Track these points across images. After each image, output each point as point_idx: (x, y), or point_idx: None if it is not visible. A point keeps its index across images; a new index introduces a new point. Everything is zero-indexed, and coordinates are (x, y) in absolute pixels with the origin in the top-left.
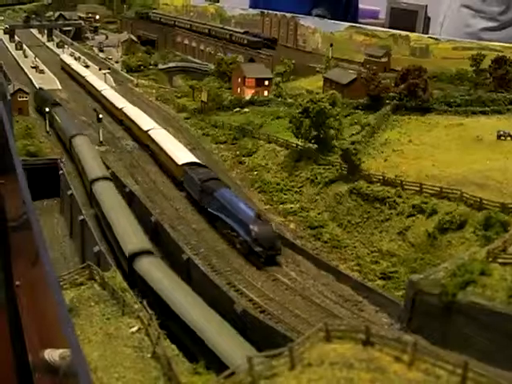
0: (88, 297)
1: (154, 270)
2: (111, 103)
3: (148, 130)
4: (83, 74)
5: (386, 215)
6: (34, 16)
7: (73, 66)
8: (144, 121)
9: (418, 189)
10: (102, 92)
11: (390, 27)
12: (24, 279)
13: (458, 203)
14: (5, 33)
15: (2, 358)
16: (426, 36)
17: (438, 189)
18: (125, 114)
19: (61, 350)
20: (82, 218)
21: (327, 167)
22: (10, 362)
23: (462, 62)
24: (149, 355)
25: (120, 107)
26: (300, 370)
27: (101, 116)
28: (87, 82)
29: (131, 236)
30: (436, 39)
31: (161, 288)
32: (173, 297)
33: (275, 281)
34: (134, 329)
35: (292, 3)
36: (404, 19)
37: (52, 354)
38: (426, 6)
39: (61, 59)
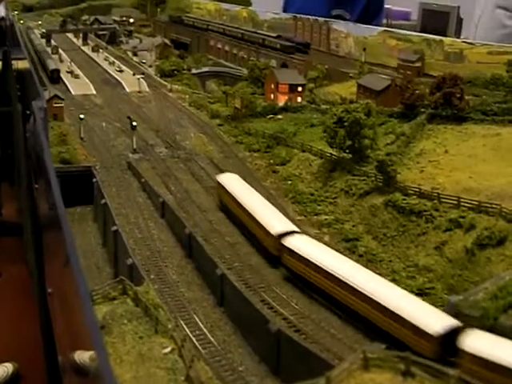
0: (121, 314)
1: None
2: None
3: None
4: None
5: (422, 229)
6: (69, 19)
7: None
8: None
9: (455, 202)
10: None
11: (421, 28)
12: (56, 287)
13: (498, 218)
14: (42, 37)
15: (35, 362)
16: (460, 40)
17: (477, 203)
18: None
19: (90, 352)
20: (115, 228)
21: (362, 178)
22: (42, 366)
23: (498, 66)
24: (182, 378)
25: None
26: None
27: (135, 123)
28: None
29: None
30: (470, 43)
31: None
32: None
33: (311, 298)
34: (167, 350)
35: (311, 4)
36: (436, 20)
37: (82, 356)
38: (459, 7)
39: (219, 183)
